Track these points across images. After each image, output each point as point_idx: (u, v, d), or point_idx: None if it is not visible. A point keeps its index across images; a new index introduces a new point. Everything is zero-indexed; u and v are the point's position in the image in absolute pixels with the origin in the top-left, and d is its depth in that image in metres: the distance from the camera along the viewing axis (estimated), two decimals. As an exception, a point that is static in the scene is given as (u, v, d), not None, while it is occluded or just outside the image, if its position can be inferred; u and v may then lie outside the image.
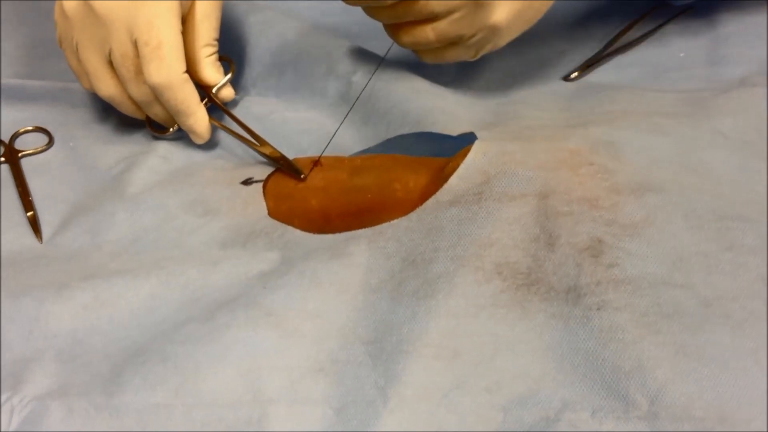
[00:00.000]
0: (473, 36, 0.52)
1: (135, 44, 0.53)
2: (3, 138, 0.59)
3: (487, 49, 0.54)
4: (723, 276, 0.42)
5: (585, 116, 0.54)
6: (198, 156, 0.58)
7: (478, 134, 0.51)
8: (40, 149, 0.58)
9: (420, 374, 0.41)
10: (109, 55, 0.54)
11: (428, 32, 0.52)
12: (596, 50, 0.64)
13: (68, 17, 0.54)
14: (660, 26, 0.65)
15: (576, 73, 0.61)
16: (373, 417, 0.40)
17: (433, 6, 0.50)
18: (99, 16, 0.53)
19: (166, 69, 0.53)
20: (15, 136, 0.59)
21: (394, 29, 0.55)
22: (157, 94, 0.54)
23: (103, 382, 0.43)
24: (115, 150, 0.58)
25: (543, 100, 0.59)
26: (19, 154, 0.58)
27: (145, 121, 0.59)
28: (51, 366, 0.44)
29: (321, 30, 0.63)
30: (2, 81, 0.60)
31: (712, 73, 0.60)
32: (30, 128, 0.60)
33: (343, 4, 0.69)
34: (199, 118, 0.56)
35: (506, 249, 0.44)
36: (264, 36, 0.64)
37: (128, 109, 0.58)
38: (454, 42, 0.53)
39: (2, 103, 0.60)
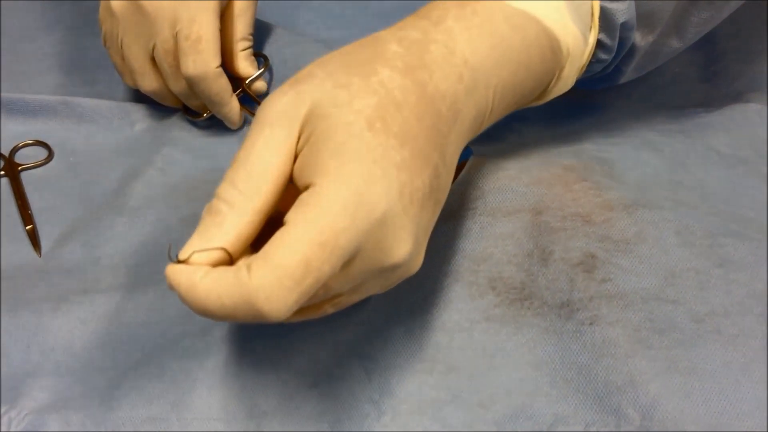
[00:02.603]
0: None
1: (176, 39, 0.55)
2: (3, 152, 0.59)
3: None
4: (715, 292, 0.42)
5: (578, 132, 0.54)
6: (195, 170, 0.59)
7: (472, 149, 0.51)
8: (40, 163, 0.59)
9: (414, 389, 0.41)
10: (152, 51, 0.56)
11: (327, 309, 0.39)
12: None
13: (115, 15, 0.57)
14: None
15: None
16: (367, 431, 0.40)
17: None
18: (146, 13, 0.55)
19: (202, 62, 0.55)
20: (15, 149, 0.59)
21: None
22: (192, 86, 0.56)
23: (100, 396, 0.43)
24: (113, 164, 0.59)
25: (534, 113, 0.59)
26: (19, 168, 0.58)
27: (181, 108, 0.62)
28: (49, 380, 0.44)
29: (322, 45, 0.64)
30: (2, 95, 0.61)
31: (706, 89, 0.61)
32: (30, 142, 0.60)
33: (343, 17, 0.70)
34: (231, 108, 0.59)
35: (500, 264, 0.44)
36: (264, 51, 0.64)
37: (169, 101, 0.61)
38: None
39: (2, 117, 0.61)
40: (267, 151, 0.36)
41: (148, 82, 0.59)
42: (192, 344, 0.44)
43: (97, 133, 0.62)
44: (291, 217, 0.34)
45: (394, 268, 0.36)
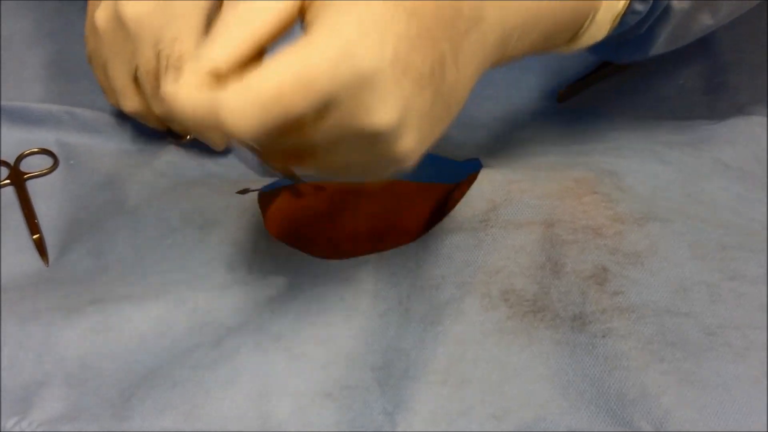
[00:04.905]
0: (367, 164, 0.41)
1: (158, 58, 0.54)
2: (8, 160, 0.59)
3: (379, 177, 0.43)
4: (726, 305, 0.43)
5: (587, 144, 0.54)
6: (194, 174, 0.59)
7: (483, 161, 0.51)
8: (45, 171, 0.59)
9: (428, 400, 0.41)
10: (135, 71, 0.55)
11: (308, 163, 0.40)
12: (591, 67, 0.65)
13: (99, 33, 0.55)
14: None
15: (565, 90, 0.62)
16: (382, 443, 0.40)
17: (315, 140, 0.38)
18: (129, 31, 0.54)
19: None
20: (20, 158, 0.59)
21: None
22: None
23: (112, 407, 0.43)
24: (113, 166, 0.59)
25: (543, 124, 0.59)
26: (25, 177, 0.58)
27: (165, 130, 0.61)
28: (60, 390, 0.44)
29: None
30: (7, 103, 0.61)
31: (710, 100, 0.61)
32: (35, 150, 0.60)
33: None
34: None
35: (512, 276, 0.45)
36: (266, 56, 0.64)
37: (152, 122, 0.59)
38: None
39: (8, 126, 0.60)
40: None
41: (130, 103, 0.57)
42: (204, 355, 0.44)
43: (100, 142, 0.62)
44: (279, 52, 0.34)
45: (374, 135, 0.36)
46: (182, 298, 0.48)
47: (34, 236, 0.54)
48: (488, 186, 0.49)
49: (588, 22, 0.46)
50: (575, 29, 0.46)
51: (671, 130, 0.56)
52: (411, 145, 0.37)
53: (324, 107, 0.34)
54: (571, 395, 0.41)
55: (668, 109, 0.61)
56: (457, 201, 0.49)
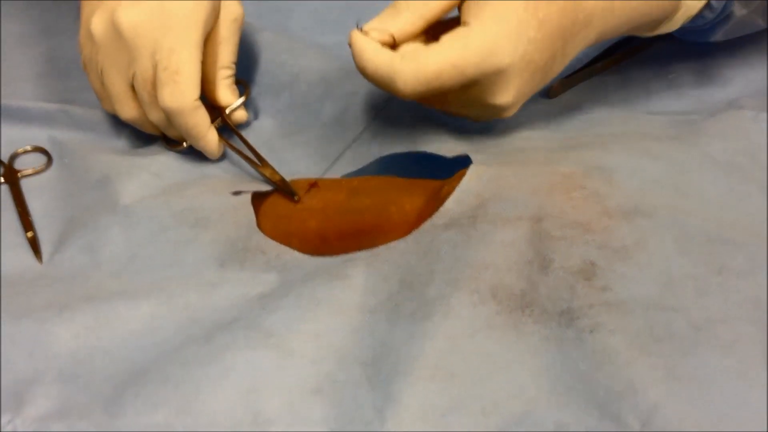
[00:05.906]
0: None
1: (155, 68, 0.54)
2: (2, 158, 0.59)
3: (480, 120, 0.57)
4: (713, 299, 0.43)
5: (577, 139, 0.54)
6: (190, 176, 0.59)
7: (472, 157, 0.52)
8: (39, 169, 0.59)
9: (417, 395, 0.41)
10: (132, 79, 0.55)
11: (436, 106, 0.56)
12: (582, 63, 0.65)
13: (95, 41, 0.55)
14: (649, 45, 0.66)
15: (555, 85, 0.62)
16: (371, 438, 0.41)
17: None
18: (126, 40, 0.54)
19: (179, 95, 0.54)
20: (14, 156, 0.59)
21: None
22: (169, 118, 0.55)
23: (104, 404, 0.43)
24: (107, 164, 0.59)
25: (533, 119, 0.59)
26: (19, 174, 0.58)
27: (161, 136, 0.61)
28: (53, 387, 0.44)
29: (318, 50, 0.64)
30: (2, 102, 0.61)
31: (700, 94, 0.61)
32: (29, 148, 0.60)
33: (338, 23, 0.70)
34: (209, 141, 0.58)
35: (501, 272, 0.45)
36: (261, 56, 0.64)
37: (148, 129, 0.60)
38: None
39: (2, 124, 0.61)
40: None
41: (127, 110, 0.58)
42: (195, 351, 0.44)
43: (94, 140, 0.62)
44: (444, 38, 0.48)
45: (493, 107, 0.51)
46: (174, 295, 0.48)
47: (28, 234, 0.54)
48: (477, 182, 0.49)
49: (667, 20, 0.56)
50: (657, 26, 0.56)
51: (661, 125, 0.56)
52: (512, 112, 0.53)
53: (466, 85, 0.49)
54: (559, 390, 0.41)
55: (658, 103, 0.61)
56: (446, 197, 0.49)
